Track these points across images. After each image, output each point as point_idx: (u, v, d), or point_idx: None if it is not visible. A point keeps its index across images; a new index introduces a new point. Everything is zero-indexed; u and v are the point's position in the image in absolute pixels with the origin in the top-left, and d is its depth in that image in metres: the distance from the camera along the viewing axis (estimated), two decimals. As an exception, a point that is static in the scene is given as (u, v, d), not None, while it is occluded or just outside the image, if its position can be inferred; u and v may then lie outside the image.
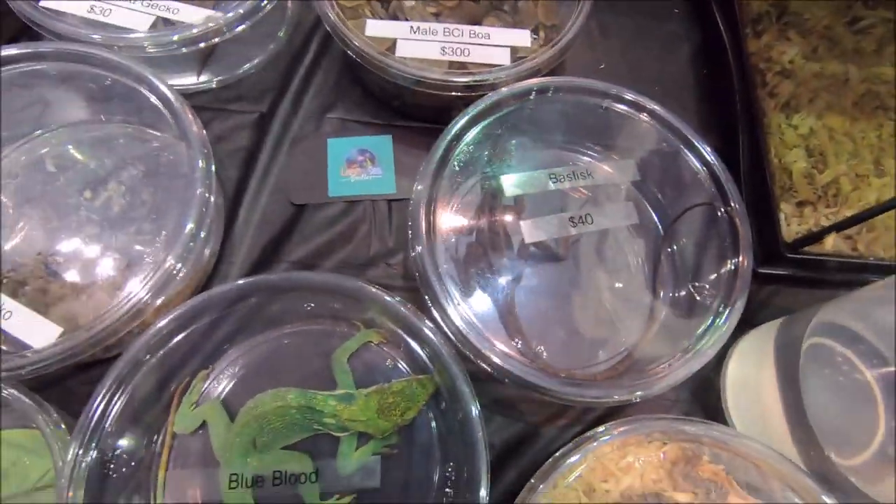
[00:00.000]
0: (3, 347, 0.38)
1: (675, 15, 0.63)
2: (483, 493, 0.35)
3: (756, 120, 0.52)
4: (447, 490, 0.39)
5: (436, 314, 0.40)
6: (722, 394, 0.46)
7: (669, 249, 0.49)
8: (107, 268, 0.46)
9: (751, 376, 0.43)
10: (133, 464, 0.38)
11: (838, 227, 0.43)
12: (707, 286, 0.43)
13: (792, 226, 0.48)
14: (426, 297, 0.40)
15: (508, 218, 0.47)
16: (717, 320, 0.40)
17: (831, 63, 0.54)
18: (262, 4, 0.49)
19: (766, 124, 0.51)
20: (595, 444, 0.39)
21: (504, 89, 0.45)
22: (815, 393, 0.37)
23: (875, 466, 0.38)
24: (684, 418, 0.41)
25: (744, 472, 0.41)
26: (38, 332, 0.38)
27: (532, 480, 0.36)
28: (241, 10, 0.48)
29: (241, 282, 0.41)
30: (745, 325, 0.46)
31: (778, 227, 0.48)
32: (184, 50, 0.47)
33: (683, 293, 0.46)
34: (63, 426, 0.38)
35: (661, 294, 0.48)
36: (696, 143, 0.45)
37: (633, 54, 0.61)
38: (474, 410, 0.38)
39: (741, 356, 0.45)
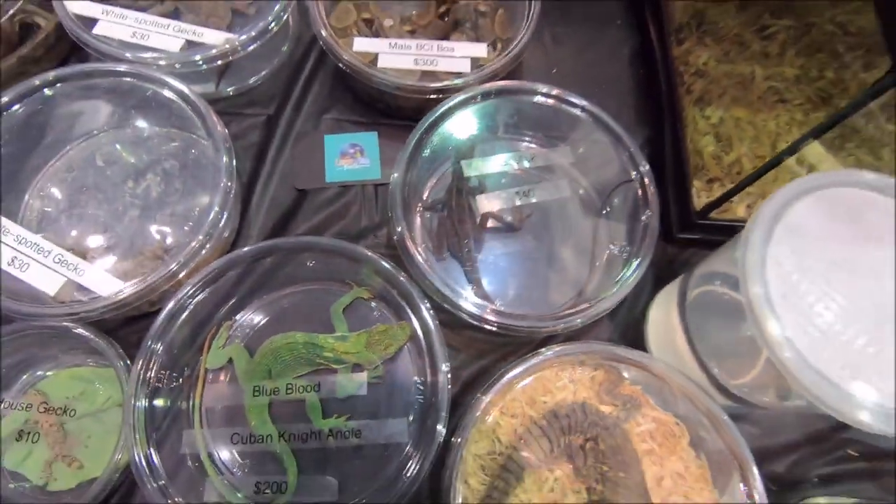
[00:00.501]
0: (81, 297, 0.49)
1: (617, 24, 0.74)
2: (443, 415, 0.45)
3: (676, 112, 0.63)
4: (416, 408, 0.50)
5: (413, 273, 0.51)
6: (644, 334, 0.57)
7: (604, 218, 0.60)
8: (149, 242, 0.57)
9: (663, 319, 0.54)
10: (177, 386, 0.49)
11: (730, 195, 0.53)
12: (625, 244, 0.54)
13: (702, 198, 0.59)
14: (405, 261, 0.51)
15: (472, 196, 0.58)
16: (627, 270, 0.51)
17: (740, 64, 0.64)
18: (270, 27, 0.60)
19: (684, 116, 0.62)
20: (536, 360, 0.49)
21: (462, 93, 0.56)
22: (700, 328, 0.47)
23: (761, 379, 0.48)
24: (605, 342, 0.52)
25: (657, 392, 0.52)
26: (103, 284, 0.49)
27: (480, 393, 0.47)
28: (253, 32, 0.59)
29: (257, 245, 0.52)
30: (669, 279, 0.57)
31: (691, 199, 0.59)
32: (205, 67, 0.58)
33: (609, 251, 0.57)
34: (127, 361, 0.49)
35: (597, 254, 0.59)
36: (620, 132, 0.56)
37: (582, 58, 0.72)
38: (440, 357, 0.48)
39: (658, 304, 0.56)
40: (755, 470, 0.45)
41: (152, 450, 0.44)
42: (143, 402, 0.45)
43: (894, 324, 0.35)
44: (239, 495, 0.44)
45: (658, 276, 0.60)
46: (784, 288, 0.36)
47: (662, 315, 0.55)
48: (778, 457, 0.55)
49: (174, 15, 0.66)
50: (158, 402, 0.47)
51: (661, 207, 0.62)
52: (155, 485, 0.42)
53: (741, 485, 0.46)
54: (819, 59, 0.65)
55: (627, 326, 0.59)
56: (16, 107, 0.54)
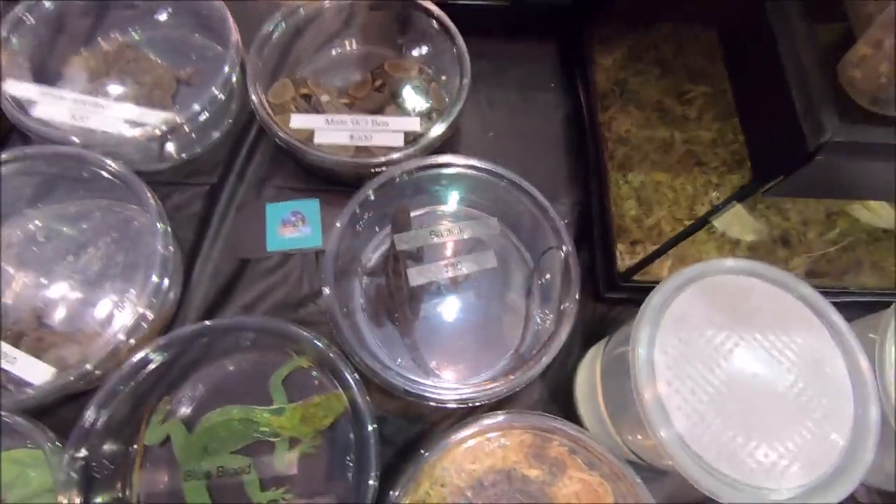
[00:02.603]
0: (10, 387, 0.50)
1: (551, 88, 0.78)
2: (373, 474, 0.48)
3: (602, 176, 0.66)
4: (349, 475, 0.52)
5: (342, 347, 0.53)
6: (573, 391, 0.60)
7: (536, 281, 0.63)
8: (89, 318, 0.58)
9: (588, 378, 0.57)
10: (113, 468, 0.50)
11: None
12: (548, 311, 0.57)
13: (626, 260, 0.62)
14: (335, 334, 0.53)
15: (408, 264, 0.61)
16: (554, 335, 0.54)
17: (660, 129, 0.69)
18: (212, 102, 0.62)
19: (608, 180, 0.66)
20: (467, 431, 0.51)
21: (397, 167, 0.59)
22: (612, 390, 0.50)
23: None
24: (532, 412, 0.54)
25: (583, 453, 0.54)
26: (36, 373, 0.50)
27: (411, 466, 0.49)
28: (195, 107, 0.61)
29: (192, 327, 0.53)
30: (596, 338, 0.60)
31: (615, 261, 0.62)
32: (151, 143, 0.60)
33: (541, 314, 0.60)
34: (58, 443, 0.50)
35: (530, 316, 0.62)
36: (543, 203, 0.59)
37: (517, 122, 0.75)
38: (368, 420, 0.50)
39: (584, 363, 0.59)
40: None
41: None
42: (75, 481, 0.46)
43: (756, 411, 0.38)
44: None
45: (587, 334, 0.63)
46: (669, 375, 0.39)
47: (587, 374, 0.57)
48: (699, 509, 0.58)
49: (120, 83, 0.68)
50: (94, 489, 0.47)
51: (590, 264, 0.66)
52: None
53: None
54: (733, 124, 0.69)
55: (558, 383, 0.61)
56: (-47, 190, 0.55)
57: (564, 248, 0.57)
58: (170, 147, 0.66)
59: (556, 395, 0.61)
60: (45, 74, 0.66)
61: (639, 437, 0.48)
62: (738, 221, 0.64)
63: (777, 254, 0.63)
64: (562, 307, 0.56)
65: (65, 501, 0.45)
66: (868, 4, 0.33)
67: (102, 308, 0.59)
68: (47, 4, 0.63)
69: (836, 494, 0.37)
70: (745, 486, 0.37)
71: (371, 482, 0.47)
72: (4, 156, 0.56)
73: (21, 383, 0.50)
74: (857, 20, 0.34)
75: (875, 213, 0.66)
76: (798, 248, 0.63)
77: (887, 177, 0.36)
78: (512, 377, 0.53)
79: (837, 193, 0.46)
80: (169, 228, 0.57)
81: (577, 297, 0.55)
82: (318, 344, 0.52)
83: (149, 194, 0.57)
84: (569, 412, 0.59)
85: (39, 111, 0.59)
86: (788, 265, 0.63)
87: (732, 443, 0.38)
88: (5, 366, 0.50)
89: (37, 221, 0.61)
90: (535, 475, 0.53)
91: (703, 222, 0.47)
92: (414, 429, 0.59)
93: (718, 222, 0.63)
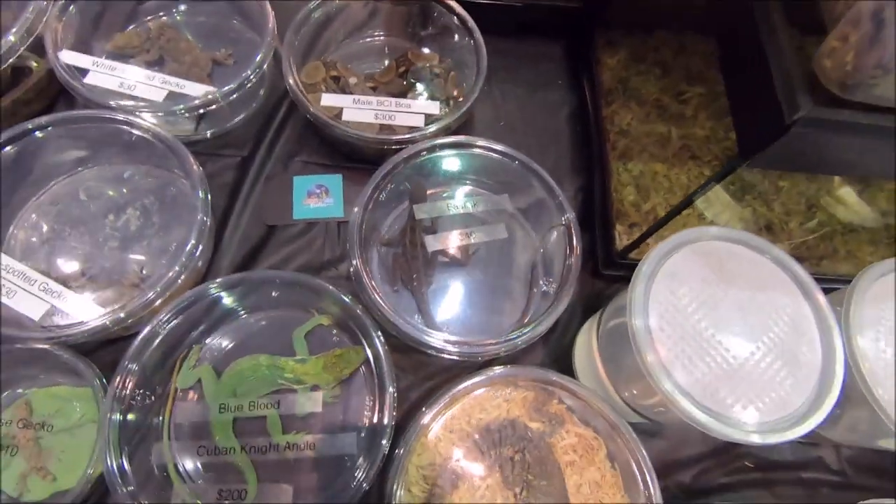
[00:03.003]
0: (61, 322, 0.54)
1: (558, 85, 0.84)
2: (386, 420, 0.52)
3: (604, 165, 0.72)
4: (366, 424, 0.57)
5: (366, 304, 0.58)
6: (572, 359, 0.65)
7: (540, 256, 0.68)
8: (127, 271, 0.62)
9: (586, 346, 0.62)
10: (149, 403, 0.54)
11: (643, 238, 0.62)
12: (552, 280, 0.63)
13: (623, 240, 0.68)
14: (359, 292, 0.58)
15: (423, 235, 0.66)
16: (556, 302, 0.59)
17: (659, 125, 0.75)
18: (248, 80, 0.67)
19: (609, 169, 0.71)
20: (476, 380, 0.56)
21: (417, 145, 0.64)
22: (611, 355, 0.55)
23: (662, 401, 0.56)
24: (536, 367, 0.59)
25: (580, 411, 0.59)
26: (83, 310, 0.55)
27: (424, 409, 0.54)
28: (232, 85, 0.67)
29: (227, 277, 0.58)
30: (594, 311, 0.65)
31: (613, 241, 0.68)
32: (187, 115, 0.65)
33: (544, 285, 0.65)
34: (103, 380, 0.54)
35: (534, 287, 0.67)
36: (551, 184, 0.65)
37: (526, 114, 0.81)
38: (387, 371, 0.55)
39: (583, 333, 0.64)
40: (653, 477, 0.52)
41: (124, 460, 0.48)
42: (118, 417, 0.50)
43: (748, 352, 0.44)
44: (201, 502, 0.50)
45: (586, 308, 0.68)
46: (662, 322, 0.44)
47: (586, 342, 0.63)
48: (685, 468, 0.63)
49: (159, 63, 0.74)
50: (131, 418, 0.52)
51: (590, 246, 0.71)
52: (125, 491, 0.46)
53: (643, 489, 0.53)
54: (725, 123, 0.75)
55: (559, 352, 0.67)
56: (7, 148, 0.60)
57: (567, 217, 0.62)
58: (203, 122, 0.72)
59: (557, 361, 0.66)
60: (94, 46, 0.71)
61: (641, 393, 0.53)
62: (726, 210, 0.70)
63: (761, 240, 0.69)
64: (564, 277, 0.61)
65: (108, 439, 0.49)
66: (838, 4, 0.39)
67: (139, 265, 0.63)
68: (102, -18, 0.69)
69: (802, 430, 0.42)
70: (728, 420, 0.42)
71: (384, 441, 0.52)
72: (56, 117, 0.61)
73: (70, 319, 0.55)
74: (829, 16, 0.40)
75: (850, 208, 0.72)
76: (780, 236, 0.69)
77: (852, 153, 0.42)
78: (515, 336, 0.58)
79: (809, 167, 0.52)
80: (209, 196, 0.61)
81: (578, 267, 0.60)
82: (344, 298, 0.57)
83: (192, 161, 0.62)
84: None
85: (90, 78, 0.64)
86: (771, 250, 0.68)
87: (717, 385, 0.43)
88: (56, 303, 0.54)
89: (83, 181, 0.66)
90: (537, 427, 0.57)
91: (689, 201, 0.52)
92: (425, 385, 0.63)
93: (708, 211, 0.69)
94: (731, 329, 0.45)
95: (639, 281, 0.45)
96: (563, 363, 0.66)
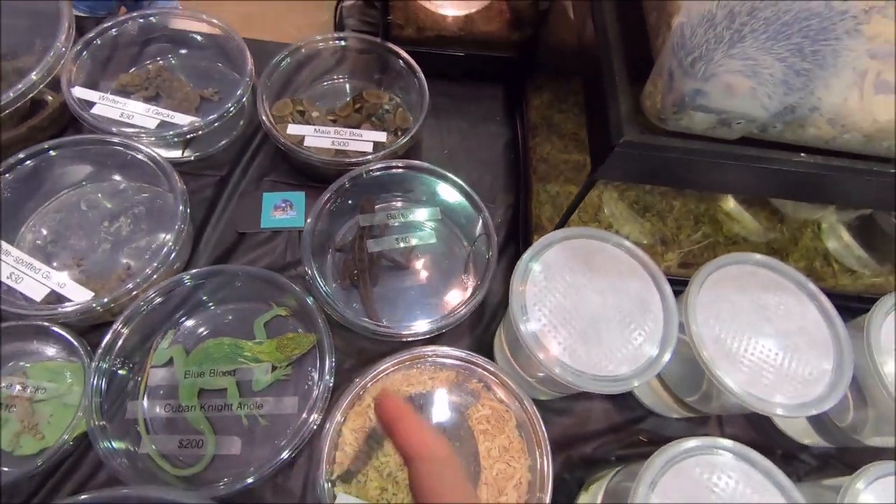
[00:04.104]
0: (58, 303, 0.65)
1: (496, 120, 0.98)
2: (324, 387, 0.63)
3: (528, 187, 0.86)
4: (310, 391, 0.67)
5: (316, 297, 0.70)
6: (493, 347, 0.76)
7: (470, 260, 0.80)
8: (116, 268, 0.74)
9: (500, 336, 0.73)
10: (128, 372, 0.65)
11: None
12: (472, 278, 0.75)
13: (540, 248, 0.80)
14: (311, 288, 0.70)
15: (368, 240, 0.78)
16: (474, 295, 0.71)
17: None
18: (228, 111, 0.81)
19: (531, 189, 0.85)
20: (404, 356, 0.67)
21: (367, 166, 0.77)
22: (511, 343, 0.67)
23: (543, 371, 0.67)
24: (460, 349, 0.70)
25: (495, 389, 0.70)
26: (79, 296, 0.66)
27: (357, 379, 0.64)
28: (214, 115, 0.80)
29: (198, 269, 0.69)
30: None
31: (532, 250, 0.80)
32: (176, 140, 0.78)
33: (473, 283, 0.77)
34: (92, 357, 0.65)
35: (465, 286, 0.79)
36: (475, 199, 0.78)
37: (468, 143, 0.95)
38: (327, 347, 0.65)
39: (500, 326, 0.75)
40: (547, 442, 0.62)
41: (105, 417, 0.59)
42: (101, 381, 0.61)
43: (602, 327, 0.56)
44: (155, 447, 0.60)
45: (508, 306, 0.80)
46: (534, 299, 0.56)
47: (500, 333, 0.74)
48: (588, 441, 0.73)
49: (155, 98, 0.88)
50: (113, 380, 0.62)
51: (515, 255, 0.84)
52: (104, 445, 0.57)
53: (540, 452, 0.63)
54: (632, 153, 0.89)
55: (484, 342, 0.78)
56: (26, 163, 0.72)
57: (487, 229, 0.75)
58: (189, 147, 0.85)
59: (482, 349, 0.77)
60: (102, 84, 0.85)
61: (529, 367, 0.65)
62: (628, 223, 0.83)
63: (656, 249, 0.81)
64: (483, 275, 0.73)
65: (91, 399, 0.60)
66: (657, 57, 0.53)
67: (126, 263, 0.75)
68: (112, 32, 0.84)
69: (646, 377, 0.53)
70: (595, 377, 0.53)
71: (325, 393, 0.63)
72: (66, 140, 0.74)
73: (65, 302, 0.66)
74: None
75: (739, 223, 0.85)
76: (672, 246, 0.81)
77: (680, 170, 0.55)
78: (439, 321, 0.69)
79: (648, 179, 0.65)
80: (188, 208, 0.74)
81: (493, 265, 0.72)
82: (298, 292, 0.69)
83: (177, 179, 0.75)
84: (489, 363, 0.75)
85: (96, 109, 0.78)
86: (664, 258, 0.81)
87: (584, 351, 0.55)
88: (55, 288, 0.65)
89: (85, 193, 0.79)
90: (455, 400, 0.68)
91: (571, 211, 0.65)
92: (365, 368, 0.74)
93: (615, 225, 0.82)
94: (591, 305, 0.57)
95: (518, 269, 0.57)
96: (488, 352, 0.77)
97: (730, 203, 0.87)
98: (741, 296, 0.61)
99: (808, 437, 0.74)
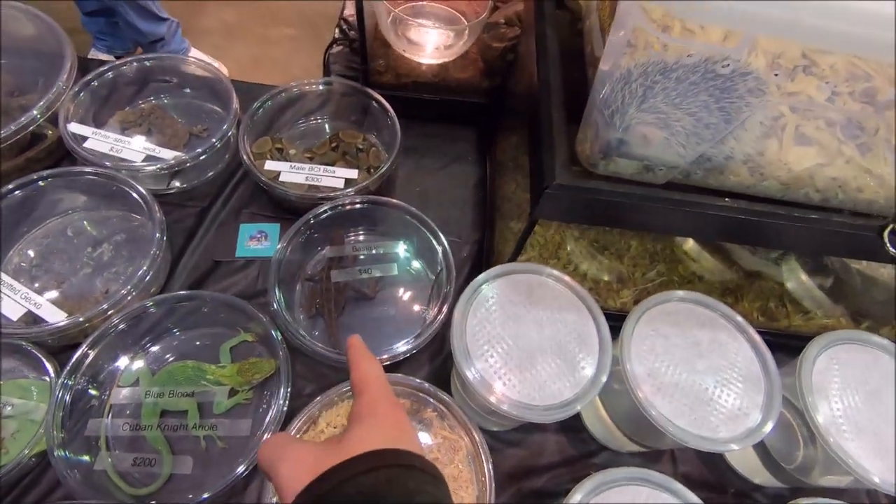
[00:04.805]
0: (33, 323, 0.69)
1: (468, 160, 1.04)
2: (278, 411, 0.66)
3: (493, 223, 0.90)
4: (265, 414, 0.69)
5: (279, 326, 0.73)
6: (451, 378, 0.78)
7: (432, 292, 0.84)
8: (94, 291, 0.78)
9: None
10: (94, 390, 0.68)
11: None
12: (433, 308, 0.78)
13: (500, 283, 0.84)
14: (276, 317, 0.73)
15: (334, 271, 0.82)
16: (432, 325, 0.74)
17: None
18: (213, 147, 0.87)
19: (495, 226, 0.89)
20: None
21: (336, 200, 0.82)
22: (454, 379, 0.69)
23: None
24: (415, 379, 0.73)
25: (448, 419, 0.72)
26: (53, 315, 0.70)
27: (316, 400, 0.67)
28: (199, 150, 0.86)
29: (171, 294, 0.73)
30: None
31: (492, 283, 0.83)
32: (163, 172, 0.84)
33: (427, 316, 0.80)
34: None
35: (426, 316, 0.82)
36: (438, 233, 0.82)
37: (440, 182, 1.00)
38: (284, 374, 0.68)
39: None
40: (491, 474, 0.64)
41: (65, 431, 0.62)
42: (66, 397, 0.64)
43: (538, 358, 0.58)
44: (111, 461, 0.62)
45: (469, 337, 0.83)
46: (475, 331, 0.59)
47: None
48: (539, 474, 0.74)
49: (148, 134, 0.94)
50: (78, 399, 0.65)
51: (478, 288, 0.87)
52: (61, 455, 0.59)
53: (485, 483, 0.65)
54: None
55: (440, 373, 0.80)
56: (16, 192, 0.78)
57: (445, 263, 0.79)
58: (176, 179, 0.91)
59: (439, 381, 0.79)
60: (98, 120, 0.92)
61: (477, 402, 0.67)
62: (587, 261, 0.87)
63: (613, 286, 0.84)
64: (443, 307, 0.77)
65: (53, 414, 0.62)
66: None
67: (103, 286, 0.79)
68: (109, 75, 0.91)
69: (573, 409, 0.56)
70: (528, 406, 0.56)
71: (279, 416, 0.65)
72: (57, 171, 0.80)
73: (40, 322, 0.70)
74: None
75: (693, 261, 0.88)
76: (628, 283, 0.84)
77: (600, 210, 0.59)
78: (397, 349, 0.72)
79: (575, 219, 0.69)
80: (165, 237, 0.78)
81: (450, 297, 0.76)
82: (262, 317, 0.72)
83: (157, 209, 0.80)
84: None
85: (89, 143, 0.84)
86: (620, 295, 0.84)
87: (523, 381, 0.57)
88: (32, 308, 0.69)
89: (71, 221, 0.84)
90: (407, 428, 0.70)
91: (521, 242, 0.68)
92: (323, 383, 0.76)
93: (575, 261, 0.86)
94: (531, 336, 0.60)
95: (458, 305, 0.61)
96: (445, 384, 0.79)
97: (689, 242, 0.91)
98: (674, 330, 0.63)
99: (760, 476, 0.75)
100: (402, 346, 0.72)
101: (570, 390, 0.57)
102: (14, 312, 0.69)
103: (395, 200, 0.84)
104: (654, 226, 0.62)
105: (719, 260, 0.90)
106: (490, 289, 0.63)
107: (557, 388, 0.58)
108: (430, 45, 0.99)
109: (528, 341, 0.60)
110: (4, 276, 0.72)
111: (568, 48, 0.70)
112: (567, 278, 0.64)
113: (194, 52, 2.16)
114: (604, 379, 0.57)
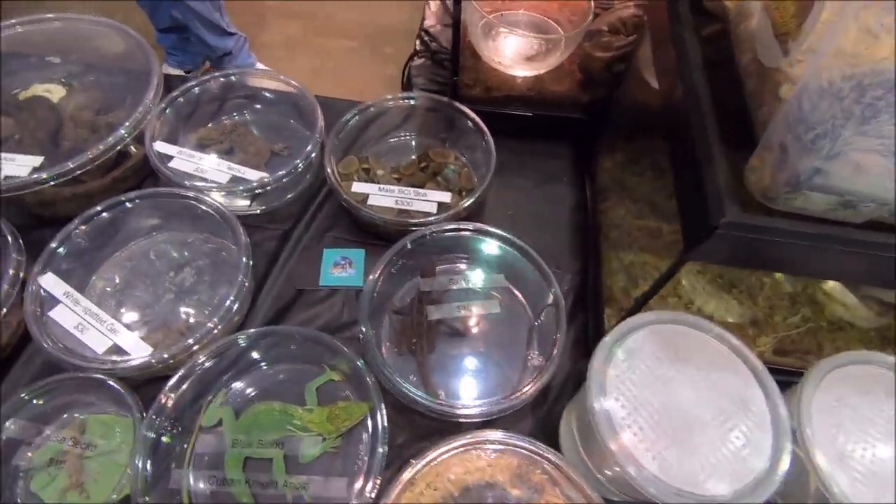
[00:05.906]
0: (118, 358, 0.65)
1: (563, 181, 0.94)
2: (374, 473, 0.58)
3: (598, 254, 0.80)
4: (359, 472, 0.62)
5: (371, 365, 0.66)
6: (559, 432, 0.68)
7: (535, 331, 0.75)
8: (177, 320, 0.74)
9: (568, 422, 0.66)
10: (177, 434, 0.63)
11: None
12: (542, 354, 0.69)
13: (612, 323, 0.73)
14: (367, 354, 0.66)
15: (428, 306, 0.74)
16: (541, 375, 0.65)
17: (651, 220, 0.83)
18: (296, 168, 0.81)
19: (601, 257, 0.79)
20: (462, 441, 0.61)
21: (430, 227, 0.75)
22: (584, 435, 0.59)
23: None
24: (522, 436, 0.64)
25: (560, 483, 0.62)
26: (138, 351, 0.65)
27: (412, 461, 0.59)
28: (283, 171, 0.81)
29: (255, 330, 0.68)
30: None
31: (603, 324, 0.74)
32: (245, 194, 0.79)
33: (536, 358, 0.71)
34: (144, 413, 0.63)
35: (528, 359, 0.73)
36: (544, 267, 0.73)
37: (534, 205, 0.91)
38: (381, 426, 0.61)
39: (567, 409, 0.68)
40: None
41: (149, 481, 0.56)
42: (150, 443, 0.59)
43: (694, 428, 0.48)
44: None
45: (576, 385, 0.73)
46: (614, 384, 0.50)
47: (568, 418, 0.67)
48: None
49: (230, 152, 0.90)
50: (162, 443, 0.60)
51: (584, 327, 0.77)
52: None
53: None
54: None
55: (548, 424, 0.70)
56: (104, 214, 0.75)
57: (555, 300, 0.69)
58: (256, 199, 0.86)
59: (545, 433, 0.70)
60: (182, 138, 0.89)
61: (607, 472, 0.57)
62: (712, 300, 0.75)
63: (746, 332, 0.73)
64: (549, 352, 0.67)
65: (138, 462, 0.58)
66: (761, 127, 0.48)
67: (186, 315, 0.75)
68: (195, 90, 0.88)
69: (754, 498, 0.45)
70: (681, 492, 0.46)
71: (374, 480, 0.58)
72: (144, 192, 0.77)
73: (126, 356, 0.66)
74: (758, 134, 0.48)
75: (839, 304, 0.75)
76: (765, 329, 0.72)
77: (790, 255, 0.48)
78: (500, 403, 0.63)
79: (750, 263, 0.58)
80: (251, 261, 0.74)
81: (563, 341, 0.67)
82: (353, 357, 0.65)
83: (242, 232, 0.75)
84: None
85: (174, 163, 0.81)
86: (756, 343, 0.72)
87: (669, 457, 0.47)
88: (117, 340, 0.65)
89: (155, 243, 0.80)
90: (516, 494, 0.61)
91: (655, 290, 0.58)
92: (418, 444, 0.69)
93: (696, 300, 0.75)
94: (680, 401, 0.50)
95: (599, 351, 0.51)
96: (552, 436, 0.69)
97: (829, 282, 0.78)
98: (864, 400, 0.52)
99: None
100: (509, 401, 0.63)
101: (730, 479, 0.47)
102: (100, 345, 0.65)
103: (495, 229, 0.76)
104: (845, 273, 0.51)
105: (868, 303, 0.77)
106: (632, 341, 0.53)
107: (718, 468, 0.47)
108: (524, 55, 0.91)
109: (678, 406, 0.50)
110: (91, 305, 0.68)
111: (705, 56, 0.60)
112: (725, 332, 0.53)
113: (259, 66, 2.18)
114: (784, 469, 0.46)
